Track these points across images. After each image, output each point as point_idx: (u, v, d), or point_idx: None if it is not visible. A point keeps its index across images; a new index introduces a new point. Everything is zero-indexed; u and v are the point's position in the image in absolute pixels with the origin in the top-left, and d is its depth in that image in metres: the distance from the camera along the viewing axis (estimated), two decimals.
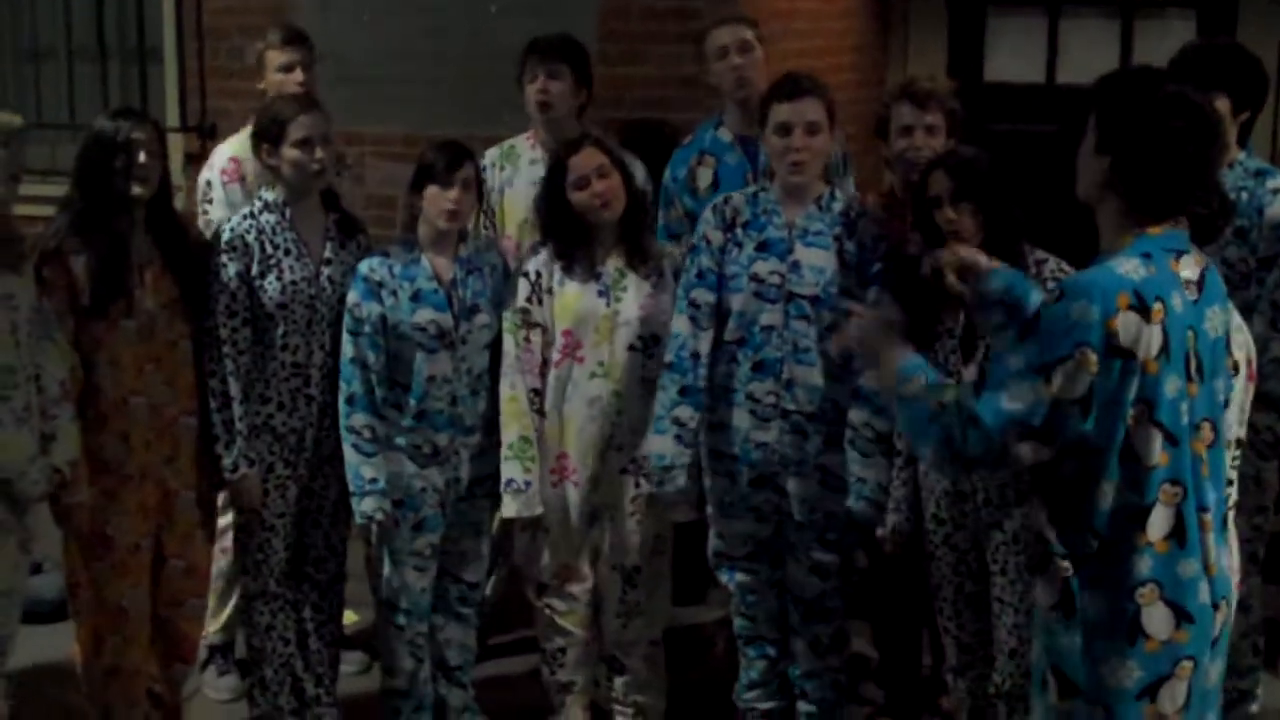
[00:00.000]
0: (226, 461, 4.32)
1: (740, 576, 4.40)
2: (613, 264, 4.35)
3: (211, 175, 5.00)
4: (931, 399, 2.89)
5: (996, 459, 2.84)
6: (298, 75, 4.95)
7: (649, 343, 4.34)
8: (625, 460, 4.37)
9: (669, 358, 4.25)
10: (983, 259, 3.35)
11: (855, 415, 4.17)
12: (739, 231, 4.23)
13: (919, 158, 4.28)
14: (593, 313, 4.32)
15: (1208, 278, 2.93)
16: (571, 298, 4.32)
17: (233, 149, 5.00)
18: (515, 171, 4.88)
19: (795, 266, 4.19)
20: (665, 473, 4.25)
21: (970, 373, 3.87)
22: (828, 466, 4.24)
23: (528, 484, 4.29)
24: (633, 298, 4.34)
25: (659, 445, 4.24)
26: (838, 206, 4.24)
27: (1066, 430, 2.78)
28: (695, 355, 4.23)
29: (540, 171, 4.66)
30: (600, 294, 4.32)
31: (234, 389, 4.30)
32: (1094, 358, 2.75)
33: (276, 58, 4.98)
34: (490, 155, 4.91)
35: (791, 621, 4.39)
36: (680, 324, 4.24)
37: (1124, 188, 2.87)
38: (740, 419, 4.25)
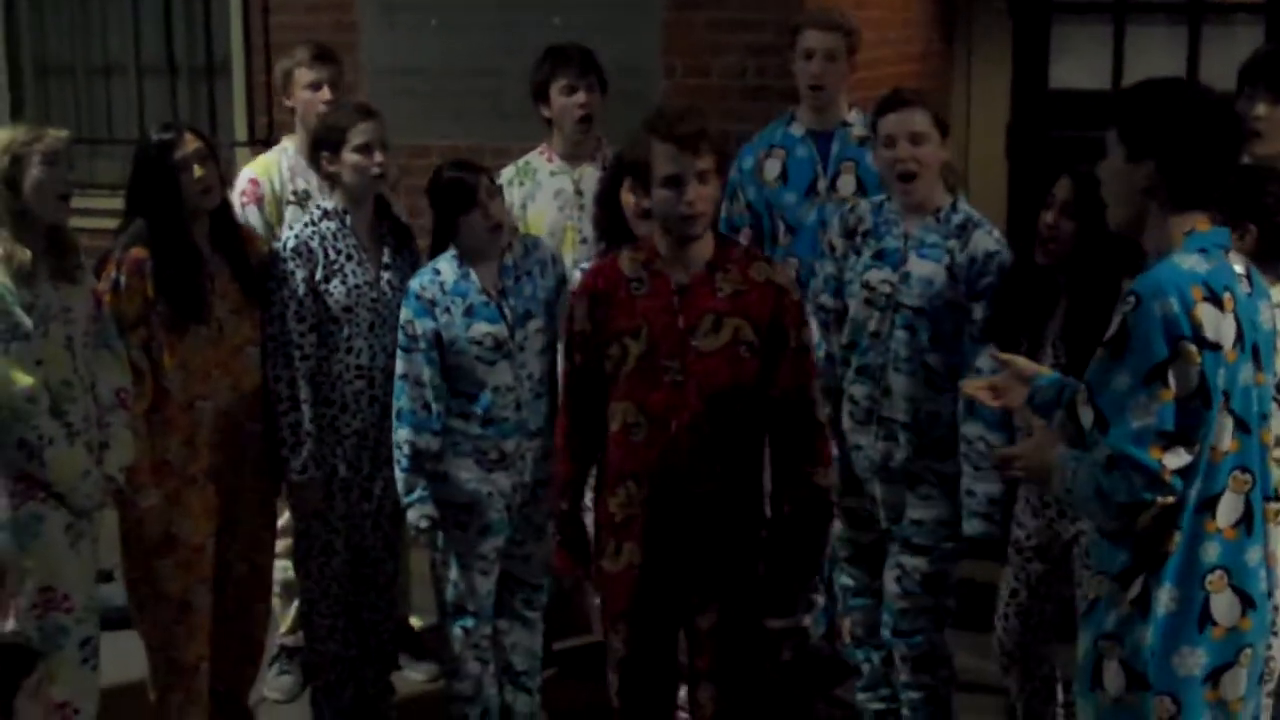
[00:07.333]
0: (295, 464, 4.37)
1: (845, 579, 4.49)
2: None
3: (232, 197, 4.96)
4: (1087, 468, 2.84)
5: (1148, 484, 2.77)
6: (325, 93, 4.99)
7: None
8: None
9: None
10: (1000, 389, 3.34)
11: (970, 429, 4.10)
12: (859, 239, 4.24)
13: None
14: None
15: (1253, 273, 2.94)
16: None
17: (253, 171, 5.06)
18: (536, 186, 4.90)
19: (906, 277, 4.15)
20: None
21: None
22: (914, 472, 4.22)
23: None
24: None
25: None
26: (956, 219, 4.17)
27: (1199, 426, 2.76)
28: (829, 357, 4.27)
29: (563, 183, 4.83)
30: None
31: (304, 392, 4.36)
32: (1193, 349, 2.73)
33: (305, 75, 5.02)
34: (506, 174, 4.91)
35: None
36: (813, 330, 4.18)
37: (1170, 182, 2.84)
38: (843, 421, 4.27)
